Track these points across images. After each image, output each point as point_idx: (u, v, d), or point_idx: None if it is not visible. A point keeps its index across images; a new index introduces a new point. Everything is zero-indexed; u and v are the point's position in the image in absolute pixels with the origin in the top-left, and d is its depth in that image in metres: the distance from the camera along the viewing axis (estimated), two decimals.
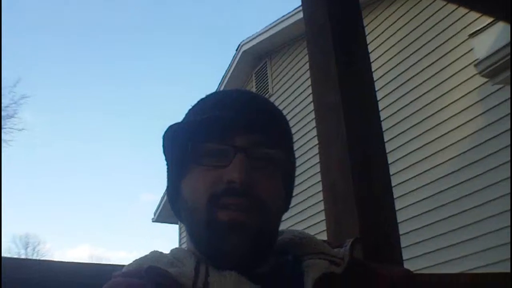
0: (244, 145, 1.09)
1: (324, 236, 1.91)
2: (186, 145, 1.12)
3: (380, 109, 2.14)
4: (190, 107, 1.23)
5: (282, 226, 1.23)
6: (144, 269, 1.04)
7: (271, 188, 1.12)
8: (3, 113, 23.44)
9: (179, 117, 1.25)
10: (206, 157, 1.11)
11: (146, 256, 1.15)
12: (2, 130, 23.28)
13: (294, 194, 1.27)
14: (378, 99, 2.21)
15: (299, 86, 10.22)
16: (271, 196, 1.11)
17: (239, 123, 1.11)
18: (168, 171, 1.22)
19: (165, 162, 1.22)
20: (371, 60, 2.28)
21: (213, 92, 1.25)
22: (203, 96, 1.24)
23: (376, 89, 2.24)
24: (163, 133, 1.18)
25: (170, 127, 1.16)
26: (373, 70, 2.23)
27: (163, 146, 1.20)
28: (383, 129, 2.15)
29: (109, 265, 1.32)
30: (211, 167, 1.10)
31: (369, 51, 2.25)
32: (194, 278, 1.04)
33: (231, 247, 1.06)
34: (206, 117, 1.12)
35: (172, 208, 1.24)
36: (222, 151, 1.10)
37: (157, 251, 1.18)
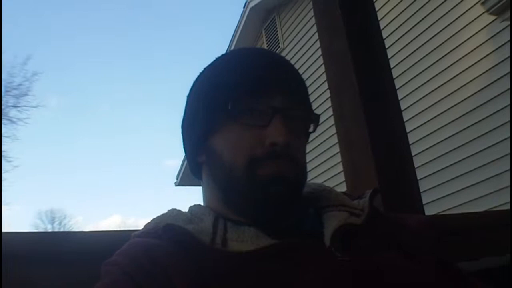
0: (282, 106, 1.10)
1: (343, 186, 1.97)
2: (226, 101, 1.11)
3: (390, 55, 2.11)
4: (220, 60, 1.24)
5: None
6: (161, 227, 1.04)
7: (301, 147, 1.16)
8: (16, 92, 23.48)
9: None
10: (244, 116, 1.11)
11: (164, 214, 1.15)
12: (17, 109, 23.33)
13: (314, 146, 1.29)
14: (387, 45, 2.19)
15: (309, 38, 10.12)
16: (302, 154, 1.15)
17: (279, 83, 1.13)
18: (193, 121, 1.21)
19: (188, 111, 1.23)
20: (378, 7, 2.25)
21: (244, 49, 1.28)
22: (228, 53, 1.25)
23: (385, 36, 2.21)
24: (196, 82, 1.21)
25: (208, 79, 1.18)
26: (380, 17, 2.20)
27: (191, 96, 1.22)
28: (394, 76, 2.14)
29: (126, 231, 1.29)
30: (249, 126, 1.10)
31: None
32: (212, 235, 1.04)
33: (273, 198, 1.07)
34: (250, 77, 1.13)
35: (191, 161, 1.24)
36: (260, 111, 1.10)
37: (175, 209, 1.17)
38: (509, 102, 6.41)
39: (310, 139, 1.24)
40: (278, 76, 1.14)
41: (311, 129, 1.20)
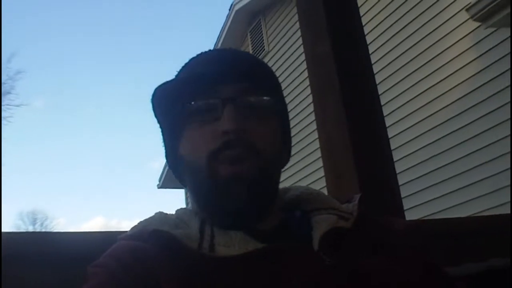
0: (231, 95, 1.09)
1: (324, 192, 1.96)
2: (177, 106, 1.13)
3: (374, 60, 2.11)
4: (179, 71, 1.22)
5: (285, 184, 1.24)
6: (149, 232, 1.04)
7: (265, 134, 1.11)
8: None
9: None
10: (199, 115, 1.10)
11: (151, 217, 1.14)
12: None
13: (296, 151, 1.27)
14: (371, 51, 2.18)
15: (294, 42, 10.11)
16: (266, 142, 1.10)
17: (223, 75, 1.11)
18: (163, 135, 1.22)
19: (159, 126, 1.22)
20: (363, 13, 2.26)
21: (200, 53, 1.23)
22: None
23: (370, 41, 2.22)
24: (151, 97, 1.16)
25: (157, 90, 1.14)
26: (365, 22, 2.19)
27: (154, 110, 1.18)
28: (378, 81, 2.14)
29: (110, 232, 1.32)
30: (204, 122, 1.09)
31: (361, 2, 2.23)
32: (199, 240, 1.04)
33: (233, 200, 1.06)
34: (191, 75, 1.14)
35: (173, 173, 1.23)
36: (212, 106, 1.09)
37: (162, 213, 1.16)
38: (495, 107, 6.50)
39: (294, 141, 1.22)
40: (226, 67, 1.13)
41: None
